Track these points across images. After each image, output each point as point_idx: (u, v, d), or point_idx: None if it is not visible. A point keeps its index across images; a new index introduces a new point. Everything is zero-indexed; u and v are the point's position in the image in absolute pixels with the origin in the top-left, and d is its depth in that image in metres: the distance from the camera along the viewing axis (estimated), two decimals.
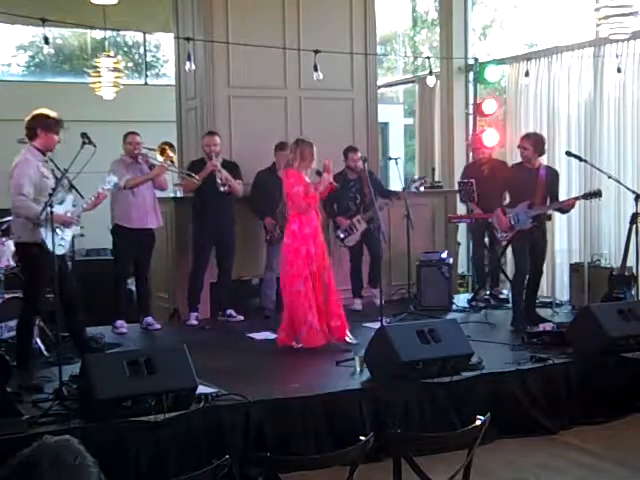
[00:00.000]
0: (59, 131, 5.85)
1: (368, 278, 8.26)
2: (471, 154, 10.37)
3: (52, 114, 5.85)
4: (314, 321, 6.39)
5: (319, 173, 6.58)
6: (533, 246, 7.09)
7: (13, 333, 6.06)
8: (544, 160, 7.28)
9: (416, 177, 9.18)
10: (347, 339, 6.47)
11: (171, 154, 7.42)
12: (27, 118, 5.85)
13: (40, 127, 5.77)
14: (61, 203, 5.82)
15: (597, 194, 7.06)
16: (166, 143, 7.47)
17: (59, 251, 5.67)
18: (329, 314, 6.50)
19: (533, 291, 7.27)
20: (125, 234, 7.25)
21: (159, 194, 7.60)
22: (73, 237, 6.19)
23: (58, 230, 5.63)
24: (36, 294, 5.87)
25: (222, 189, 7.51)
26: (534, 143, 7.05)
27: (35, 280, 5.82)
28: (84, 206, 5.99)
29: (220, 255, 7.74)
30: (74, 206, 5.96)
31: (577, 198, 7.43)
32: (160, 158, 7.38)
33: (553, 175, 7.21)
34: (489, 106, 10.03)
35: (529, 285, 7.19)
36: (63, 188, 5.79)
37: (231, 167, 7.70)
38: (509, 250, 7.82)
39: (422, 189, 8.56)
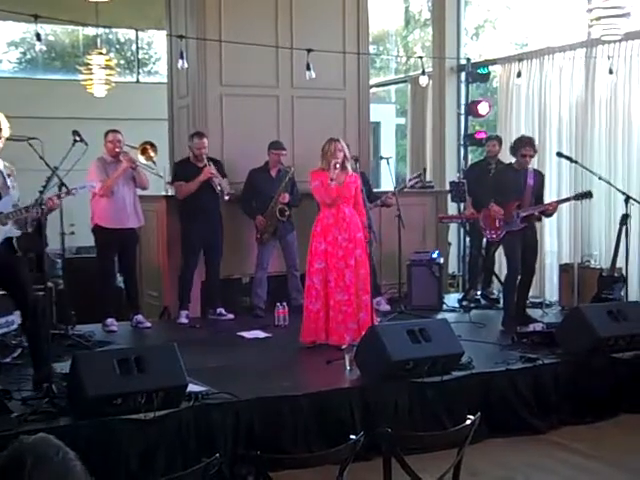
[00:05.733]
0: None
1: None
2: (463, 152, 10.39)
3: None
4: (310, 316, 6.35)
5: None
6: (525, 246, 7.10)
7: (5, 330, 6.04)
8: (534, 161, 7.30)
9: (409, 176, 9.15)
10: (342, 347, 5.98)
11: (152, 154, 7.30)
12: None
13: None
14: None
15: (588, 195, 7.10)
16: (147, 142, 7.32)
17: None
18: (346, 315, 6.29)
19: (525, 292, 7.27)
20: (105, 234, 7.14)
21: (147, 192, 7.57)
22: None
23: None
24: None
25: (226, 198, 7.51)
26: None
27: None
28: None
29: (209, 256, 7.71)
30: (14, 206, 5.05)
31: (565, 200, 7.45)
32: (141, 157, 7.30)
33: (541, 178, 7.25)
34: (484, 108, 10.04)
35: (521, 286, 7.19)
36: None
37: (216, 165, 7.61)
38: (500, 251, 7.84)
39: (415, 183, 8.61)
